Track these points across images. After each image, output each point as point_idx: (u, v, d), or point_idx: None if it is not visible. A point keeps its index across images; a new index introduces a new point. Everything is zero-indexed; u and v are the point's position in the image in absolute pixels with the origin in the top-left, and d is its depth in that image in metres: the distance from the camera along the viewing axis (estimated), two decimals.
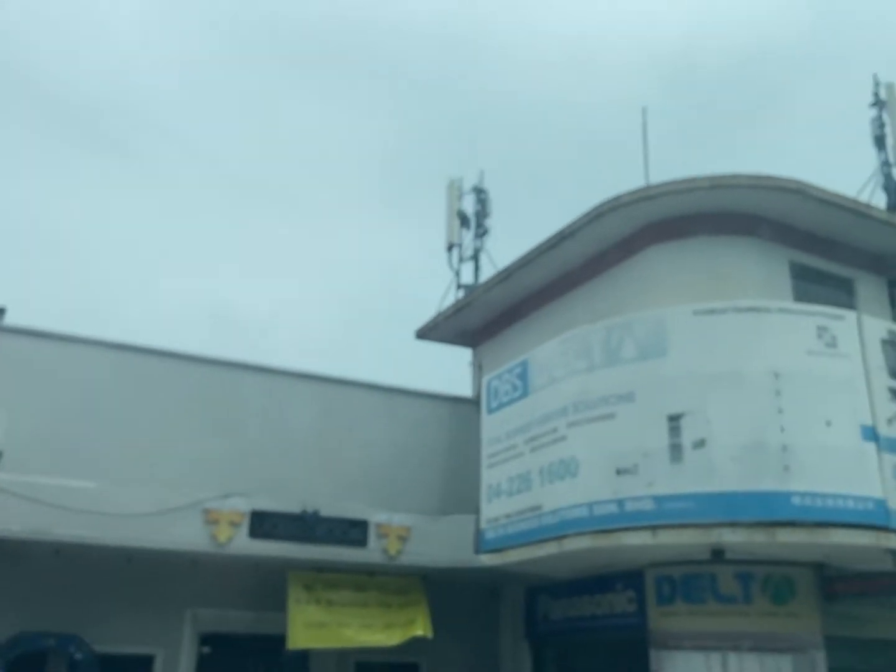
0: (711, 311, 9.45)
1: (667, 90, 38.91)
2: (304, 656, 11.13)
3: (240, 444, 11.58)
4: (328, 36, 42.13)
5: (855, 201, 10.98)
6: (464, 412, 13.10)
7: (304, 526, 10.39)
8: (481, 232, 15.18)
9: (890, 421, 9.01)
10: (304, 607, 10.58)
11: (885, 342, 9.38)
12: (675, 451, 9.01)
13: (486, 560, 10.78)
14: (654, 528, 8.90)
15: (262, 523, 10.22)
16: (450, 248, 15.08)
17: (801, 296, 10.85)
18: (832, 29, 37.82)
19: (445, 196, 15.43)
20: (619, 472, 9.23)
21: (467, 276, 14.99)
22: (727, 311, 9.39)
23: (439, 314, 14.51)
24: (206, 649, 10.84)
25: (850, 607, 9.52)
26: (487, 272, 14.18)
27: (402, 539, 10.75)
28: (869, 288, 11.60)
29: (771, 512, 8.58)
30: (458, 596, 11.90)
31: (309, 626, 10.48)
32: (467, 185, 15.56)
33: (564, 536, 9.53)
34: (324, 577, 10.90)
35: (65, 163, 40.41)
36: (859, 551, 8.79)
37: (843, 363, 9.11)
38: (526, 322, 13.27)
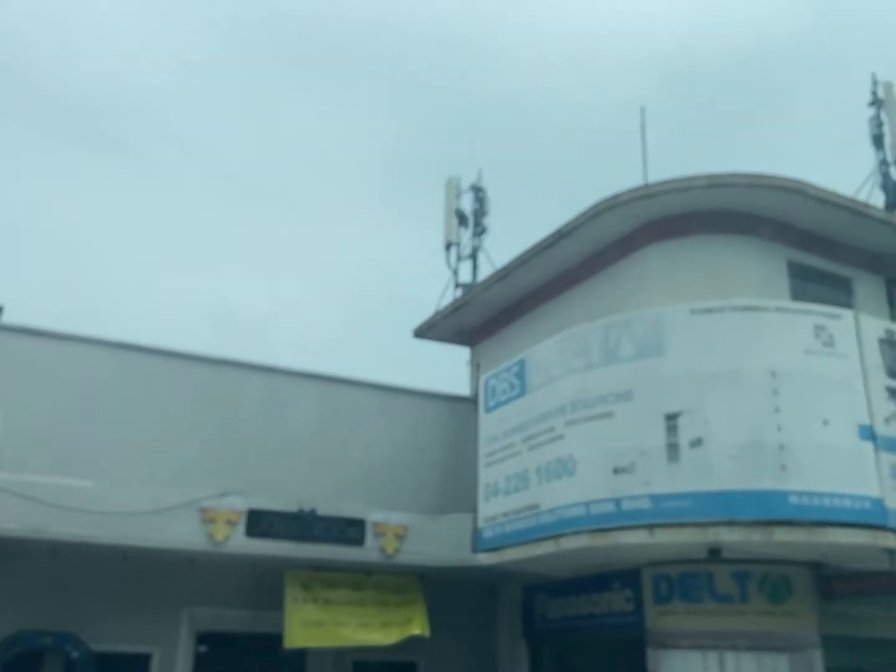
0: (709, 311, 9.44)
1: (667, 90, 38.94)
2: (301, 655, 11.14)
3: (237, 443, 11.59)
4: (328, 36, 42.16)
5: (853, 200, 10.97)
6: (462, 411, 13.10)
7: (301, 525, 10.38)
8: (479, 231, 15.16)
9: (887, 420, 9.00)
10: (302, 606, 10.58)
11: (882, 341, 9.37)
12: (673, 450, 9.00)
13: (484, 559, 10.78)
14: (651, 527, 8.89)
15: (259, 522, 10.21)
16: (448, 246, 15.07)
17: (798, 295, 10.84)
18: (832, 29, 37.86)
19: (443, 195, 15.42)
20: (616, 470, 9.22)
21: (466, 275, 15.01)
22: (724, 310, 9.38)
23: (437, 313, 14.50)
24: (202, 648, 10.85)
25: (848, 606, 9.52)
26: (486, 271, 14.20)
27: (400, 538, 10.74)
28: (867, 287, 11.59)
29: (768, 511, 8.57)
30: (456, 595, 11.90)
31: (306, 625, 10.47)
32: (466, 183, 15.58)
33: (562, 535, 9.52)
34: (321, 576, 10.90)
35: (65, 163, 40.48)
36: (856, 550, 8.79)
37: (840, 362, 9.10)
38: (524, 321, 13.27)
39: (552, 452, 9.95)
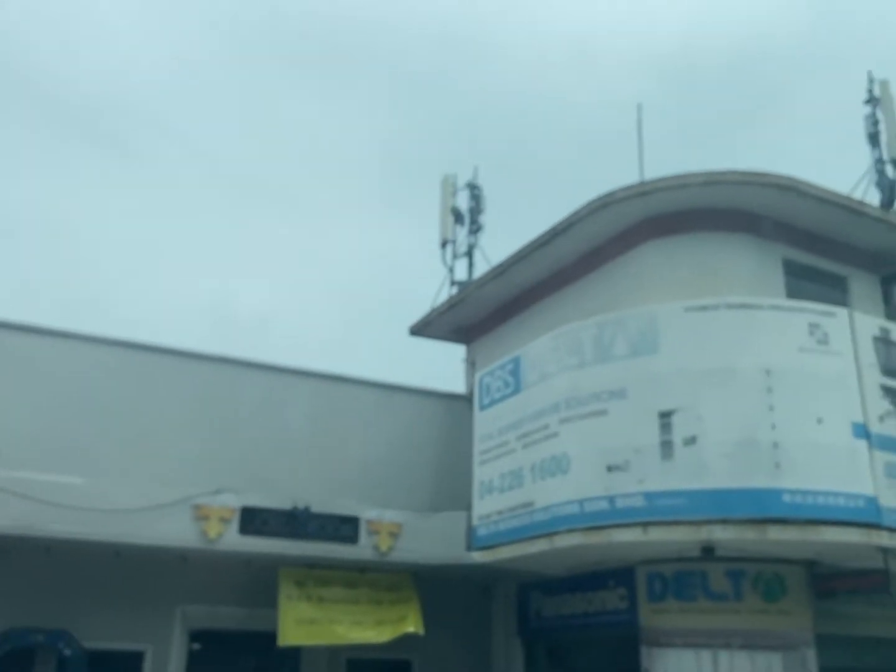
0: (703, 308, 9.42)
1: (666, 90, 38.88)
2: (295, 653, 11.11)
3: (232, 440, 11.57)
4: (328, 36, 42.07)
5: (848, 198, 10.96)
6: (457, 409, 13.08)
7: (295, 522, 10.36)
8: (475, 228, 15.12)
9: (881, 418, 8.99)
10: (296, 604, 10.56)
11: (876, 339, 9.36)
12: (667, 447, 8.98)
13: (478, 557, 10.76)
14: (645, 524, 8.88)
15: (253, 519, 10.19)
16: (444, 244, 15.03)
17: (794, 293, 10.82)
18: (832, 29, 37.84)
19: (439, 192, 15.39)
20: (610, 468, 9.21)
21: (462, 273, 14.97)
22: (719, 308, 9.36)
23: (433, 310, 14.48)
24: (196, 646, 10.81)
25: (841, 605, 9.50)
26: (482, 268, 14.16)
27: (394, 536, 10.72)
28: (862, 285, 11.58)
29: (762, 509, 8.56)
30: (450, 593, 11.88)
31: (300, 623, 10.45)
32: (462, 181, 15.54)
33: (556, 533, 9.51)
34: (315, 574, 10.88)
35: (65, 162, 40.40)
36: (850, 549, 8.78)
37: (834, 360, 9.08)
38: (520, 318, 13.25)
39: (546, 450, 9.93)
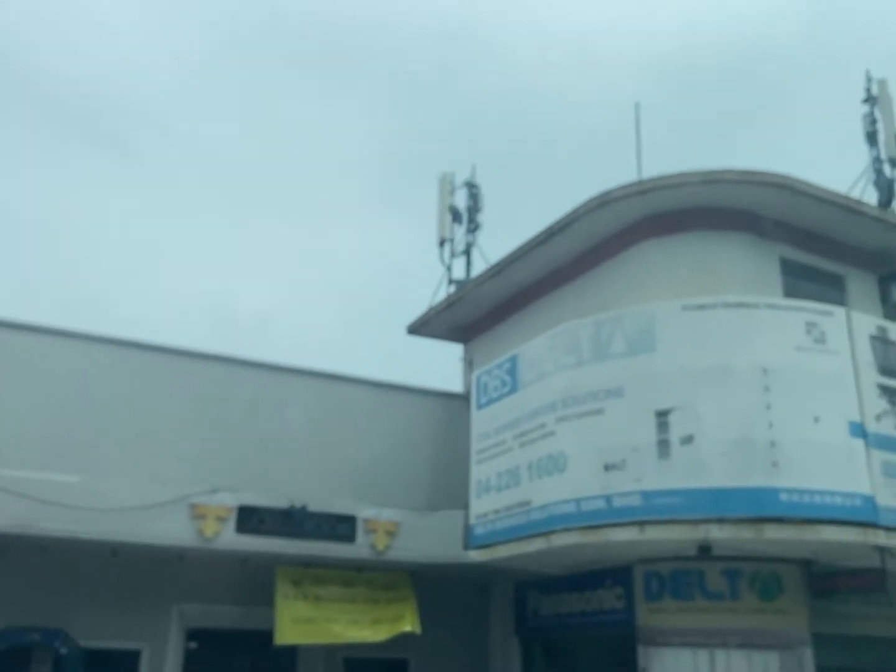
0: (700, 307, 9.41)
1: (666, 90, 38.88)
2: (292, 652, 11.10)
3: (229, 439, 11.54)
4: (328, 35, 42.07)
5: (846, 197, 10.95)
6: (454, 408, 13.05)
7: (291, 521, 10.34)
8: (473, 227, 15.12)
9: (878, 417, 8.98)
10: (292, 603, 10.55)
11: (873, 338, 9.35)
12: (664, 446, 8.98)
13: (475, 556, 10.76)
14: (641, 523, 8.87)
15: (250, 518, 10.17)
16: (441, 243, 15.02)
17: (791, 292, 10.81)
18: (831, 28, 37.83)
19: (437, 191, 15.37)
20: (607, 467, 9.20)
21: (460, 272, 14.95)
22: (716, 307, 9.35)
23: (430, 309, 14.48)
24: (192, 644, 10.81)
25: (838, 604, 9.50)
26: (479, 267, 14.16)
27: (391, 534, 10.71)
28: (859, 284, 11.57)
29: (758, 508, 8.55)
30: (447, 592, 11.87)
31: (296, 622, 10.44)
32: (461, 180, 15.52)
33: (552, 532, 9.50)
34: (311, 573, 10.86)
35: (65, 162, 40.40)
36: (847, 548, 8.77)
37: (831, 359, 9.07)
38: (517, 317, 13.24)
39: (543, 449, 9.92)
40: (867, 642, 9.69)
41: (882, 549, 8.74)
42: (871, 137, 12.13)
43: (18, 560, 9.89)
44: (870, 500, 8.60)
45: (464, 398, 12.81)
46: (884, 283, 11.68)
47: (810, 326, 9.12)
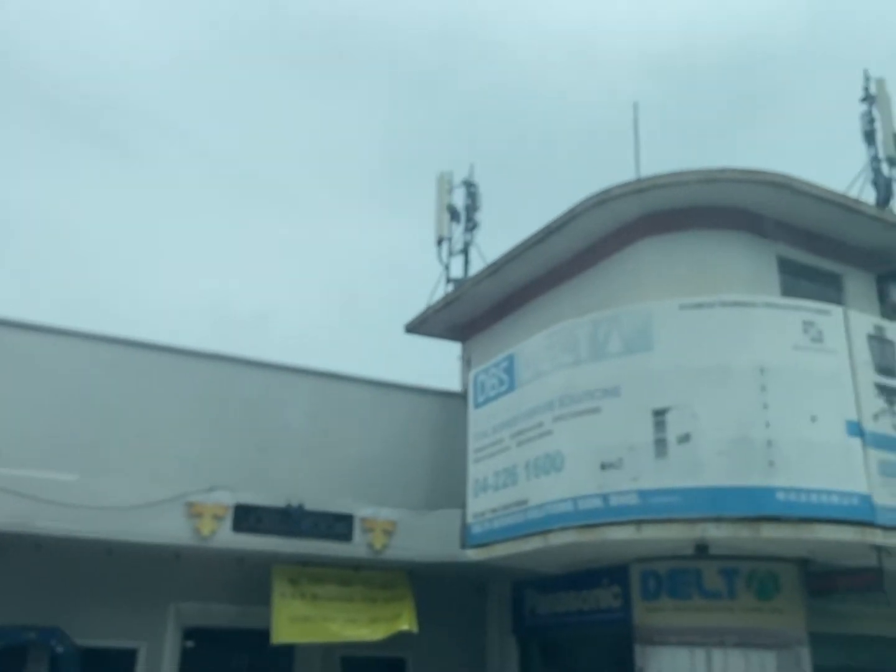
0: (698, 306, 9.40)
1: (666, 89, 38.89)
2: (288, 651, 11.09)
3: (227, 438, 11.54)
4: (328, 35, 42.02)
5: (844, 196, 10.94)
6: (452, 407, 13.06)
7: (288, 520, 10.32)
8: (471, 226, 15.11)
9: (875, 416, 8.97)
10: (289, 601, 10.53)
11: (871, 337, 9.34)
12: (660, 445, 8.97)
13: (473, 554, 10.75)
14: (638, 522, 8.86)
15: (247, 517, 10.15)
16: (439, 241, 15.01)
17: (789, 291, 10.80)
18: (831, 28, 37.83)
19: (435, 190, 15.37)
20: (604, 466, 9.19)
21: (458, 271, 14.95)
22: (713, 306, 9.34)
23: (428, 308, 14.46)
24: (189, 643, 10.79)
25: (835, 603, 9.49)
26: (477, 266, 14.15)
27: (388, 533, 10.70)
28: (857, 283, 11.57)
29: (756, 507, 8.54)
30: (445, 591, 11.86)
31: (294, 621, 10.43)
32: (459, 179, 15.52)
33: (550, 531, 9.49)
34: (309, 572, 10.85)
35: (65, 162, 40.37)
36: (844, 547, 8.76)
37: (829, 358, 9.07)
38: (515, 316, 13.23)
39: (540, 448, 9.91)
40: (864, 641, 9.68)
41: (879, 549, 8.74)
42: (870, 136, 12.14)
43: (15, 558, 9.87)
44: (867, 500, 8.60)
45: (461, 397, 12.81)
46: (881, 282, 11.68)
47: (808, 325, 9.11)
